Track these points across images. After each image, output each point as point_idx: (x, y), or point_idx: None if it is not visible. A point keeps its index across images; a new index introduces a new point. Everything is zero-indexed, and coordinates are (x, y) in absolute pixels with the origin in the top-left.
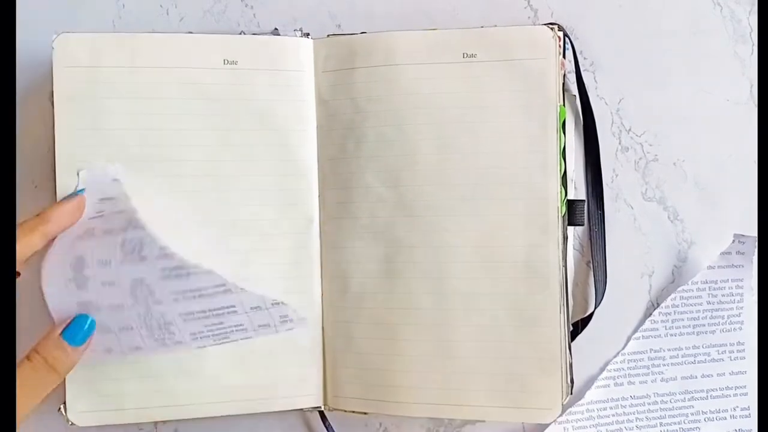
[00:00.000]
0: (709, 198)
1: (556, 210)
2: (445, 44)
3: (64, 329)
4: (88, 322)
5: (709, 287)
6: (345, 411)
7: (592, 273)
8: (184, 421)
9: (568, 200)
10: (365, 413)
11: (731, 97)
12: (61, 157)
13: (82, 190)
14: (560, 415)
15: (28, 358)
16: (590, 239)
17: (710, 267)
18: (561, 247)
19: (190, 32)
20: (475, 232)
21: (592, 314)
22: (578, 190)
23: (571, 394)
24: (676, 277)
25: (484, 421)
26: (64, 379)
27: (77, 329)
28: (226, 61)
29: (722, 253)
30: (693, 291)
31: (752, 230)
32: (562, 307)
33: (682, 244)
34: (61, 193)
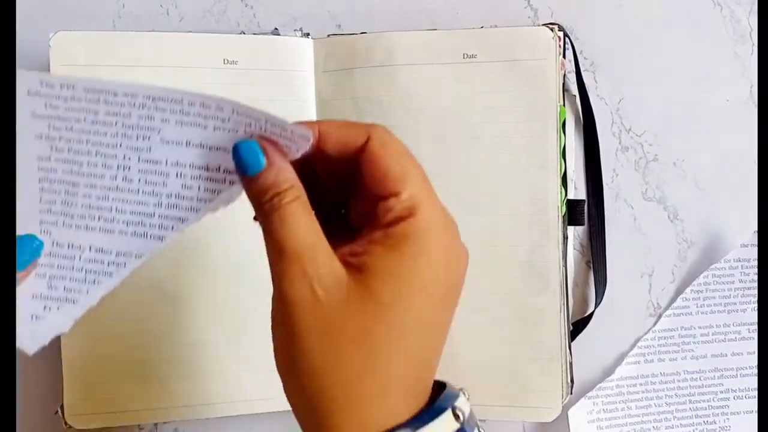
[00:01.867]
0: (709, 198)
1: (556, 210)
2: (445, 45)
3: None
4: (35, 244)
5: (742, 266)
6: None
7: (592, 273)
8: (184, 421)
9: (568, 200)
10: None
11: (731, 97)
12: None
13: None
14: (560, 414)
15: None
16: (590, 239)
17: (743, 245)
18: (561, 246)
19: (190, 32)
20: (474, 232)
21: (592, 314)
22: (578, 189)
23: (572, 393)
24: (676, 277)
25: (484, 421)
26: (62, 382)
27: (20, 250)
28: (226, 61)
29: (755, 231)
30: (725, 269)
31: (752, 230)
32: (562, 306)
33: (682, 244)
34: None
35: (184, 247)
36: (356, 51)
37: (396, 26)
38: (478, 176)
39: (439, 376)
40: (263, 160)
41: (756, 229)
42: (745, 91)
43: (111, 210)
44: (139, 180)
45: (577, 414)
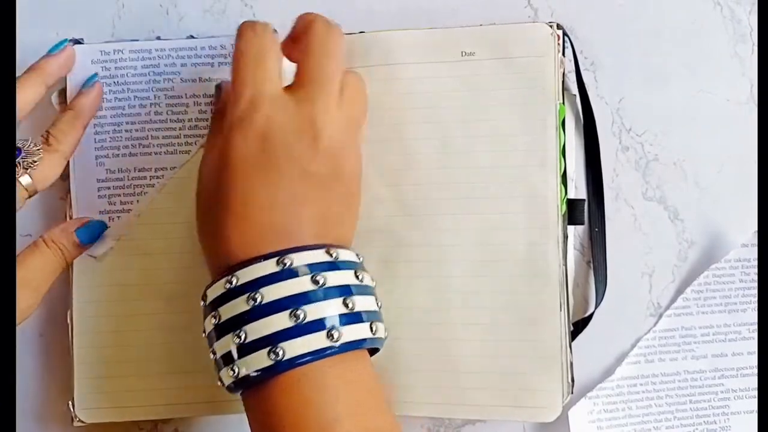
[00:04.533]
0: (709, 198)
1: (555, 208)
2: (444, 43)
3: (80, 228)
4: (104, 228)
5: (742, 265)
6: None
7: (592, 273)
8: (184, 421)
9: (568, 199)
10: None
11: (731, 97)
12: None
13: (64, 41)
14: (561, 415)
15: (36, 244)
16: (590, 239)
17: (744, 245)
18: (561, 245)
19: (192, 36)
20: (474, 231)
21: (592, 314)
22: (578, 189)
23: (572, 393)
24: (677, 277)
25: (484, 421)
26: (73, 378)
27: (93, 234)
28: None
29: (756, 232)
30: (726, 269)
31: (752, 230)
32: (562, 305)
33: (683, 243)
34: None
35: (190, 247)
36: (354, 50)
37: (395, 25)
38: (477, 174)
39: (438, 375)
40: None
41: (756, 229)
42: (745, 91)
43: (147, 138)
44: (167, 112)
45: (577, 414)
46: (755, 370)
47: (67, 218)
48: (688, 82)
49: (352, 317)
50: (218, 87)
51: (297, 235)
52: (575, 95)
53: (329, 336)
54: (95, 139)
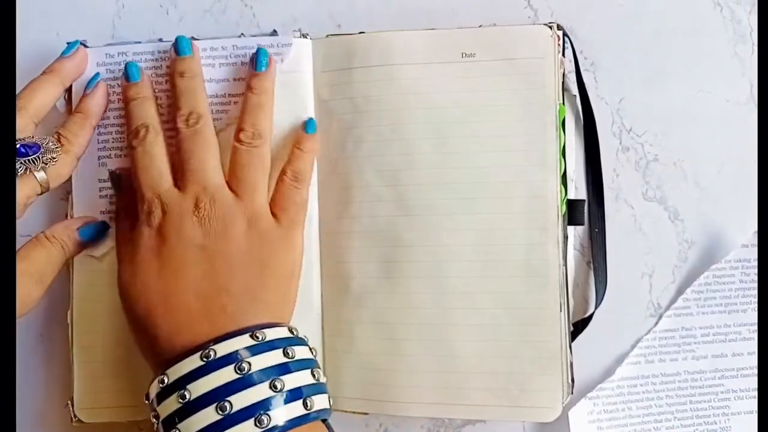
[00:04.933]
0: (709, 198)
1: (555, 209)
2: (444, 44)
3: (83, 227)
4: (105, 228)
5: (742, 266)
6: (345, 411)
7: (592, 273)
8: None
9: (568, 200)
10: (365, 413)
11: (731, 97)
12: None
13: (75, 42)
14: (561, 415)
15: (38, 239)
16: (590, 239)
17: (744, 246)
18: (561, 246)
19: (193, 37)
20: (474, 231)
21: (592, 314)
22: (578, 189)
23: (572, 393)
24: (677, 278)
25: (484, 422)
26: (72, 378)
27: (94, 233)
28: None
29: (755, 232)
30: (726, 269)
31: (752, 230)
32: (562, 305)
33: (683, 244)
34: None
35: None
36: (355, 51)
37: (395, 26)
38: (477, 175)
39: (438, 375)
40: None
41: (756, 229)
42: (745, 91)
43: None
44: (168, 113)
45: (577, 414)
46: (755, 371)
47: (69, 218)
48: (688, 82)
49: (282, 398)
50: (117, 176)
51: (220, 322)
52: (575, 95)
53: (258, 423)
54: (98, 140)
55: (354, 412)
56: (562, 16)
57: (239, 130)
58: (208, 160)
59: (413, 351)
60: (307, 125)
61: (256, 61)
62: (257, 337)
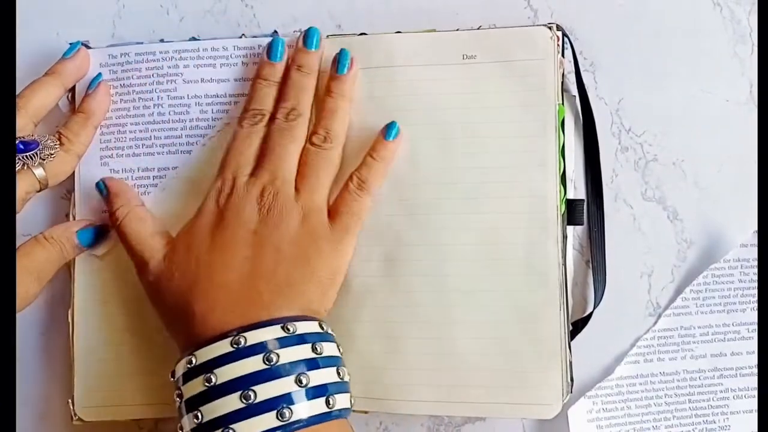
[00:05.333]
0: (709, 198)
1: (555, 208)
2: (445, 45)
3: (82, 230)
4: (105, 233)
5: (741, 265)
6: None
7: (591, 273)
8: None
9: (567, 199)
10: (365, 412)
11: (731, 97)
12: None
13: (77, 43)
14: (560, 413)
15: (37, 239)
16: (590, 239)
17: (743, 245)
18: (560, 245)
19: (194, 37)
20: (475, 231)
21: (591, 314)
22: (578, 189)
23: (571, 392)
24: (676, 277)
25: (483, 420)
26: (73, 377)
27: (93, 237)
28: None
29: (755, 232)
30: (725, 269)
31: (751, 230)
32: (561, 304)
33: (682, 244)
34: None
35: None
36: (355, 52)
37: (396, 27)
38: (478, 175)
39: (438, 374)
40: None
41: (756, 229)
42: (745, 91)
43: (150, 138)
44: (169, 112)
45: (576, 413)
46: (754, 370)
47: (71, 218)
48: (688, 82)
49: (305, 393)
50: (104, 185)
51: (255, 308)
52: (575, 96)
53: (279, 416)
54: (100, 139)
55: (354, 411)
56: (562, 16)
57: (313, 132)
58: (288, 157)
59: (414, 349)
60: (388, 130)
61: (338, 63)
62: (288, 329)
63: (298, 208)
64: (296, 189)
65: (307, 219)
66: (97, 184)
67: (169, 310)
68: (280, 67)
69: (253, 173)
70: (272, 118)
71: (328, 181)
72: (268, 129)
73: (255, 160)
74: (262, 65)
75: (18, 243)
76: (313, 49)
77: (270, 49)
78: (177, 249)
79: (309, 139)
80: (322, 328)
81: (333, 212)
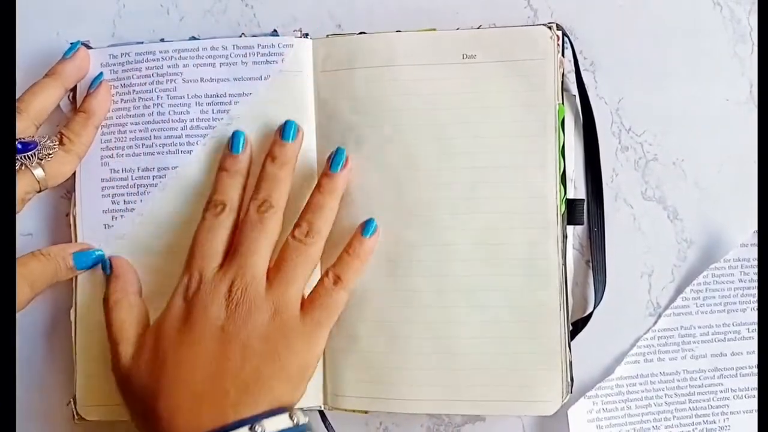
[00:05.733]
0: (709, 197)
1: (555, 208)
2: (445, 45)
3: (78, 252)
4: (100, 260)
5: (742, 265)
6: (345, 410)
7: (591, 272)
8: None
9: (567, 199)
10: (366, 412)
11: (731, 97)
12: None
13: (77, 43)
14: (559, 412)
15: (35, 254)
16: (590, 239)
17: (743, 245)
18: (560, 245)
19: (194, 36)
20: (475, 230)
21: (591, 313)
22: (578, 189)
23: (571, 392)
24: (676, 277)
25: (483, 420)
26: (75, 376)
27: (88, 260)
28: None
29: (755, 232)
30: (725, 269)
31: (751, 230)
32: (562, 303)
33: (682, 243)
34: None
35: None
36: (355, 51)
37: (396, 26)
38: (478, 175)
39: (438, 373)
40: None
41: (756, 228)
42: (745, 91)
43: (150, 138)
44: (169, 112)
45: (576, 413)
46: (754, 370)
47: (71, 217)
48: (688, 82)
49: None
50: (110, 264)
51: (220, 410)
52: (575, 95)
53: None
54: (101, 139)
55: (354, 411)
56: (561, 16)
57: (296, 224)
58: (259, 250)
59: (415, 349)
60: (366, 227)
61: (332, 161)
62: (255, 430)
63: (268, 303)
64: (269, 281)
65: (278, 314)
66: (102, 261)
67: (137, 407)
68: (242, 157)
69: (222, 267)
70: (247, 210)
71: (304, 276)
72: (239, 221)
73: (223, 253)
74: (224, 156)
75: (18, 243)
76: (289, 141)
77: (232, 140)
78: (145, 345)
79: (291, 232)
80: (292, 420)
81: (307, 305)
